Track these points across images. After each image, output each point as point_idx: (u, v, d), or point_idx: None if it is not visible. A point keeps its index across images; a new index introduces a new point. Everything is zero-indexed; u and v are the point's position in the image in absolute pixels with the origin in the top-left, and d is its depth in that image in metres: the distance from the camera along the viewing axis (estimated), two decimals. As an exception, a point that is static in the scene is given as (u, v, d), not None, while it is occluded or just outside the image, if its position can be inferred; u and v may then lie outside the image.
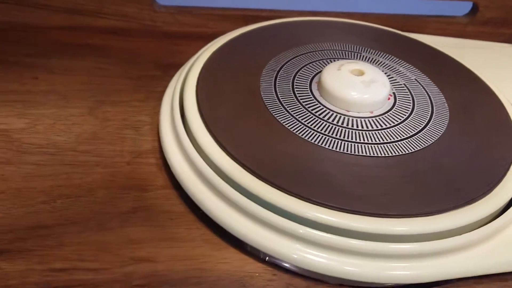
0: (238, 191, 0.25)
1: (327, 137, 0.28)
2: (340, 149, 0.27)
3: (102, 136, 0.31)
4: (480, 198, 0.25)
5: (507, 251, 0.25)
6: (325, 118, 0.30)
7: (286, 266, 0.25)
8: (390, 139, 0.29)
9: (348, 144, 0.28)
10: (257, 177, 0.25)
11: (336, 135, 0.28)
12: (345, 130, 0.29)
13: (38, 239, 0.25)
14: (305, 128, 0.29)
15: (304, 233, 0.24)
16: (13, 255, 0.24)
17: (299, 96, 0.31)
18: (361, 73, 0.31)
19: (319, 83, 0.31)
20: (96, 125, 0.32)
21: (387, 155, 0.27)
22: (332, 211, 0.24)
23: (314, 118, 0.29)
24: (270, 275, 0.25)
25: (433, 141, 0.29)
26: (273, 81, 0.32)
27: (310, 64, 0.34)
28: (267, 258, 0.25)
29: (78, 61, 0.37)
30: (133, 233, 0.26)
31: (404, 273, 0.24)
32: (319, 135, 0.28)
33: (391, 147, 0.28)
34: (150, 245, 0.25)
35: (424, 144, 0.28)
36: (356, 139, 0.28)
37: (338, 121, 0.29)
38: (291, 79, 0.33)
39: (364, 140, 0.28)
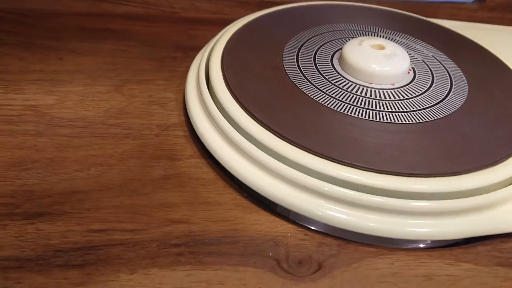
0: (269, 155, 0.26)
1: (352, 106, 0.29)
2: (365, 117, 0.28)
3: (130, 111, 0.32)
4: (505, 160, 0.26)
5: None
6: (349, 90, 0.30)
7: (316, 228, 0.25)
8: (414, 108, 0.29)
9: (373, 112, 0.29)
10: (286, 141, 0.26)
11: (361, 104, 0.29)
12: (369, 100, 0.30)
13: (75, 203, 0.26)
14: (330, 98, 0.29)
15: (333, 191, 0.24)
16: (52, 217, 0.25)
17: (322, 70, 0.32)
18: (381, 48, 0.32)
19: (341, 57, 0.32)
20: (123, 101, 0.33)
21: (411, 122, 0.28)
22: (360, 170, 0.25)
23: (338, 90, 0.30)
24: (302, 235, 0.25)
25: (455, 109, 0.30)
26: (295, 57, 0.33)
27: (330, 42, 0.35)
28: (296, 220, 0.26)
29: (101, 44, 0.38)
30: (166, 198, 0.26)
31: (430, 230, 0.24)
32: (344, 104, 0.29)
33: (415, 115, 0.29)
34: (184, 208, 0.26)
35: (446, 113, 0.29)
36: (380, 108, 0.29)
37: (361, 92, 0.30)
38: (313, 55, 0.34)
39: (388, 109, 0.29)
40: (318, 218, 0.25)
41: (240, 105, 0.28)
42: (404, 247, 0.25)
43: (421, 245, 0.25)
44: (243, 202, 0.27)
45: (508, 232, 0.25)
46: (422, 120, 0.29)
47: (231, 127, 0.27)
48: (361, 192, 0.25)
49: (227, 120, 0.28)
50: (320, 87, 0.30)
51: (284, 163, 0.25)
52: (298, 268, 0.24)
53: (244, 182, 0.26)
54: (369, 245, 0.25)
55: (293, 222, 0.26)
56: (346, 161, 0.25)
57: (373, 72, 0.31)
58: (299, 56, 0.33)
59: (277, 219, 0.26)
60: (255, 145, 0.26)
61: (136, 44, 0.39)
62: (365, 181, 0.24)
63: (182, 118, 0.32)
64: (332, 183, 0.25)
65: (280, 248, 0.24)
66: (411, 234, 0.24)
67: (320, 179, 0.25)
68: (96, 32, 0.40)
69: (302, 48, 0.34)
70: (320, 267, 0.24)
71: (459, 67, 0.34)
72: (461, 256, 0.25)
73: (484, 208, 0.25)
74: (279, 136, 0.26)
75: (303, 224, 0.26)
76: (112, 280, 0.22)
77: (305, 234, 0.25)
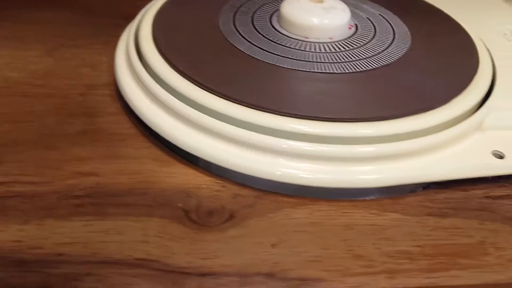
0: (185, 103, 0.24)
1: (286, 59, 0.27)
2: (298, 68, 0.27)
3: (59, 72, 0.31)
4: (437, 107, 0.24)
5: (469, 157, 0.24)
6: (285, 44, 0.29)
7: (234, 179, 0.24)
8: (349, 59, 0.28)
9: (306, 63, 0.27)
10: (200, 86, 0.25)
11: (296, 57, 0.27)
12: (305, 53, 0.28)
13: (-22, 157, 0.24)
14: (263, 52, 0.28)
15: (249, 137, 0.23)
16: (-51, 171, 0.23)
17: (259, 27, 0.30)
18: (320, 1, 0.30)
19: (279, 14, 0.31)
20: (53, 64, 0.31)
21: (345, 71, 0.27)
22: (280, 116, 0.23)
23: (273, 44, 0.29)
24: (218, 186, 0.23)
25: (393, 60, 0.28)
26: (232, 16, 0.31)
27: (271, 3, 0.34)
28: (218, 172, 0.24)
29: (41, 12, 0.37)
30: (80, 152, 0.25)
31: (355, 177, 0.23)
32: (278, 58, 0.27)
33: (350, 65, 0.27)
34: (96, 162, 0.24)
35: (383, 63, 0.27)
36: (315, 60, 0.27)
37: (297, 46, 0.29)
38: (251, 14, 0.32)
39: (322, 60, 0.27)
40: (231, 166, 0.23)
41: (164, 58, 0.27)
42: (329, 197, 0.23)
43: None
44: (161, 156, 0.25)
45: (440, 181, 0.24)
46: (357, 70, 0.27)
47: (151, 78, 0.26)
48: (280, 138, 0.23)
49: (148, 73, 0.26)
50: (254, 43, 0.29)
51: (199, 110, 0.24)
52: (208, 218, 0.22)
53: (157, 131, 0.25)
54: (290, 196, 0.23)
55: (212, 175, 0.24)
56: (265, 107, 0.23)
57: (309, 25, 0.29)
58: (236, 15, 0.32)
59: (194, 171, 0.24)
60: (171, 93, 0.25)
61: (77, 11, 0.37)
62: (284, 125, 0.23)
63: (112, 79, 0.30)
64: (249, 130, 0.23)
65: (191, 199, 0.23)
66: (333, 181, 0.23)
67: (237, 126, 0.23)
68: (36, 1, 0.39)
69: (241, 7, 0.33)
70: (232, 217, 0.22)
71: (405, 24, 0.32)
72: (389, 207, 0.23)
73: (414, 154, 0.23)
74: (196, 83, 0.25)
75: (222, 175, 0.24)
76: (1, 231, 0.21)
77: (222, 186, 0.23)
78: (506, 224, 0.22)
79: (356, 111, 0.24)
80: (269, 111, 0.23)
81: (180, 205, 0.22)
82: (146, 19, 0.31)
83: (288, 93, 0.25)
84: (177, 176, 0.24)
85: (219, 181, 0.24)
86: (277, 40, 0.29)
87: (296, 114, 0.23)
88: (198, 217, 0.22)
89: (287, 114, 0.23)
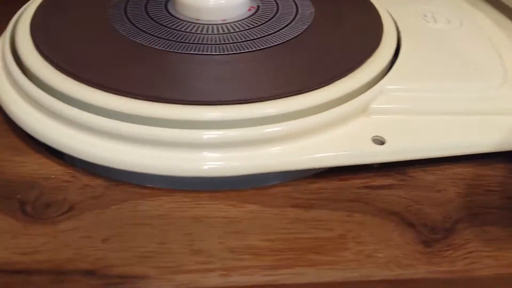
0: (45, 91, 0.23)
1: (173, 42, 0.25)
2: (171, 49, 0.25)
3: None
4: (320, 87, 0.22)
5: (347, 143, 0.22)
6: (170, 26, 0.27)
7: (85, 168, 0.22)
8: (234, 41, 0.26)
9: (184, 45, 0.25)
10: (67, 75, 0.23)
11: (181, 39, 0.26)
12: (193, 36, 0.26)
13: None
14: (148, 37, 0.26)
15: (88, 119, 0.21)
16: None
17: (150, 11, 0.28)
18: (216, -19, 0.29)
19: (172, -4, 0.29)
20: None
21: (235, 51, 0.25)
22: (140, 101, 0.21)
23: (160, 27, 0.27)
24: (68, 177, 0.21)
25: (282, 41, 0.26)
26: (124, 3, 0.30)
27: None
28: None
29: None
30: None
31: (212, 164, 0.21)
32: (164, 42, 0.25)
33: (233, 47, 0.25)
34: None
35: (270, 44, 0.25)
36: (194, 41, 0.25)
37: (187, 28, 0.27)
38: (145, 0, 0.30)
39: (205, 42, 0.25)
40: (81, 155, 0.21)
41: (33, 42, 0.25)
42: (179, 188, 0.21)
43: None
44: (17, 145, 0.23)
45: (306, 169, 0.21)
46: (238, 51, 0.25)
47: (13, 61, 0.24)
48: (134, 123, 0.21)
49: (14, 58, 0.25)
50: (141, 27, 0.27)
51: (51, 95, 0.22)
52: (43, 211, 0.20)
53: (11, 116, 0.23)
54: (144, 187, 0.21)
55: (67, 165, 0.22)
56: (121, 90, 0.21)
57: (198, 6, 0.27)
58: (128, 2, 0.30)
59: (49, 161, 0.22)
60: (27, 76, 0.23)
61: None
62: (138, 109, 0.21)
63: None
64: (103, 116, 0.21)
65: (34, 190, 0.21)
66: (191, 170, 0.21)
67: (90, 112, 0.21)
68: None
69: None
70: (71, 209, 0.20)
71: (313, 5, 0.30)
72: (250, 198, 0.21)
73: (283, 139, 0.21)
74: (55, 65, 0.23)
75: (77, 165, 0.22)
76: None
77: (73, 176, 0.22)
78: (376, 216, 0.20)
79: (217, 93, 0.22)
80: (124, 94, 0.22)
81: (19, 196, 0.20)
82: (32, 5, 0.29)
83: (151, 74, 0.23)
84: (28, 166, 0.22)
85: (71, 171, 0.22)
86: (164, 23, 0.27)
87: (151, 97, 0.21)
88: (33, 209, 0.20)
89: (141, 97, 0.21)
